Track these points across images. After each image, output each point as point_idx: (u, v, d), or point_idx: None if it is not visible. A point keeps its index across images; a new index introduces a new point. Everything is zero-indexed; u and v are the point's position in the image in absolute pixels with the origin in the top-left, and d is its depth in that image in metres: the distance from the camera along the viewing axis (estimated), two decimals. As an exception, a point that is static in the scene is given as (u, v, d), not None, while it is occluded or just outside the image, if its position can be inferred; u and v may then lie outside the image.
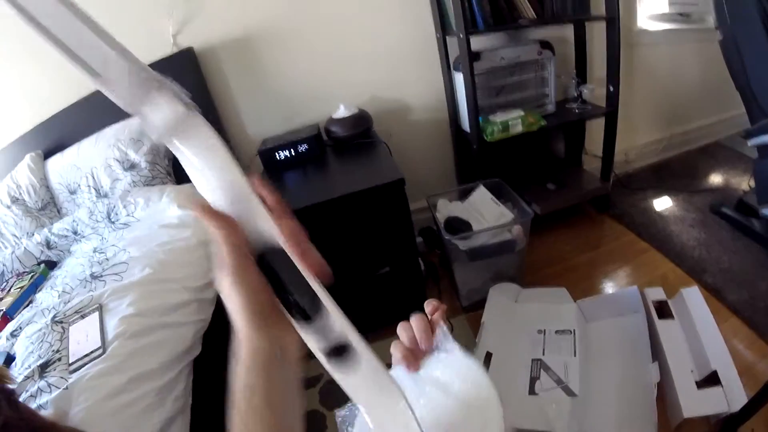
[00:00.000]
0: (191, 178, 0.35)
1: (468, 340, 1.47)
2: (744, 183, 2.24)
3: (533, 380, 1.26)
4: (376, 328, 1.57)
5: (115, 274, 1.11)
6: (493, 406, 0.41)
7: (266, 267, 0.36)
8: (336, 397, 1.31)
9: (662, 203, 2.16)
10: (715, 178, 2.34)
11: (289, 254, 0.36)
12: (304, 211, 1.24)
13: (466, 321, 1.56)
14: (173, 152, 0.34)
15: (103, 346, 0.90)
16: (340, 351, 0.37)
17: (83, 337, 0.94)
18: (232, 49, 1.59)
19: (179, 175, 1.56)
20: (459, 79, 1.63)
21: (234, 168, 0.34)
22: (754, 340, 1.38)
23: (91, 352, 0.89)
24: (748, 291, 1.56)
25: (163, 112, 0.32)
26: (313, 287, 0.36)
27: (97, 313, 0.98)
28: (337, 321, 0.36)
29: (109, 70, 0.30)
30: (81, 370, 0.85)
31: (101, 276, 1.12)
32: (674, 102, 2.49)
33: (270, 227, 0.35)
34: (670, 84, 2.43)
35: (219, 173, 0.34)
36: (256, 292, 0.35)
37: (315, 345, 0.37)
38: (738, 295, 1.55)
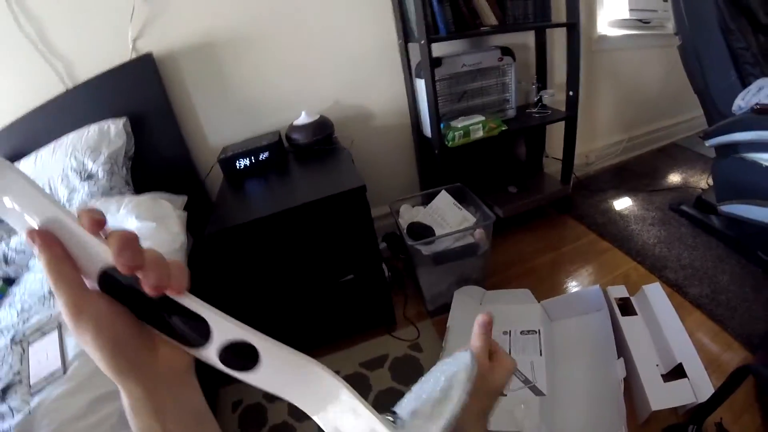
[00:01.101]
0: (16, 226, 0.31)
1: (434, 344, 1.47)
2: (702, 181, 2.31)
3: (501, 381, 1.27)
4: (342, 336, 1.57)
5: None
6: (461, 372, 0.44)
7: (114, 292, 0.32)
8: (257, 421, 1.29)
9: (623, 203, 2.21)
10: (674, 178, 2.42)
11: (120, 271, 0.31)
12: (266, 221, 1.22)
13: (432, 325, 1.55)
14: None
15: (64, 366, 0.87)
16: (233, 353, 0.33)
17: (43, 357, 0.91)
18: (193, 55, 1.56)
19: (138, 185, 1.52)
20: (420, 85, 1.64)
21: (48, 203, 0.30)
22: (717, 332, 1.42)
23: (52, 373, 0.86)
24: (709, 285, 1.61)
25: None
26: (180, 299, 0.33)
27: (56, 332, 0.95)
28: (219, 323, 0.33)
29: None
30: (43, 392, 0.82)
31: None
32: (634, 105, 2.57)
33: (99, 247, 0.30)
34: (630, 88, 2.50)
35: (38, 209, 0.30)
36: (107, 323, 0.30)
37: (206, 357, 0.33)
38: (699, 289, 1.60)
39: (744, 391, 1.11)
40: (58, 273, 0.29)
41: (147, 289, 0.30)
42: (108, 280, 0.31)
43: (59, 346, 0.92)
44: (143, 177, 1.54)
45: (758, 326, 1.40)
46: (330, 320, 1.52)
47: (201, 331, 0.33)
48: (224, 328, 0.33)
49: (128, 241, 0.29)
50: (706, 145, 1.75)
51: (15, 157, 1.56)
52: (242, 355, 0.33)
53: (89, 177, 1.44)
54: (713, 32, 1.58)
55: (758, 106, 1.48)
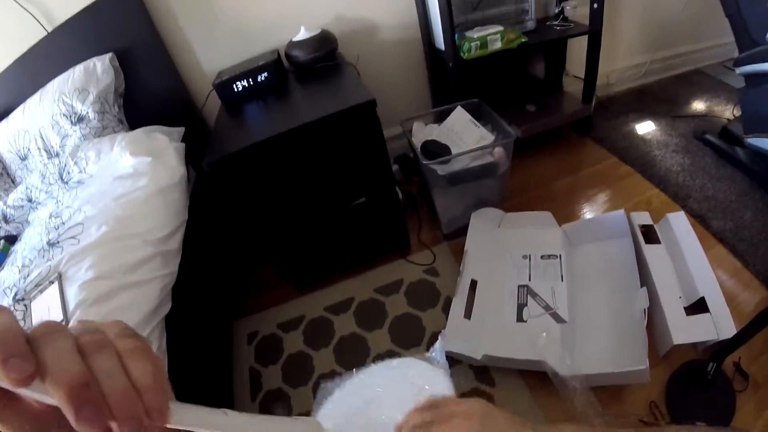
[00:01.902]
0: None
1: (450, 268, 1.42)
2: (727, 111, 2.19)
3: (521, 307, 1.23)
4: (355, 262, 1.52)
5: (71, 237, 1.01)
6: None
7: None
8: (301, 374, 1.26)
9: (645, 127, 2.10)
10: (698, 105, 2.29)
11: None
12: (268, 144, 1.13)
13: (449, 249, 1.50)
14: None
15: (66, 317, 0.83)
16: None
17: (45, 311, 0.88)
18: None
19: (133, 123, 1.43)
20: (432, -8, 1.48)
21: None
22: (738, 270, 1.37)
23: None
24: (732, 219, 1.55)
25: None
26: None
27: (56, 284, 0.91)
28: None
29: None
30: None
31: (58, 242, 1.03)
32: (658, 26, 2.39)
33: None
34: (655, 6, 2.32)
35: None
36: None
37: None
38: (723, 223, 1.53)
39: (763, 332, 1.08)
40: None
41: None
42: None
43: (60, 298, 0.88)
44: (138, 114, 1.45)
45: None
46: (343, 246, 1.46)
47: None
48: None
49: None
50: (737, 72, 1.62)
51: (2, 113, 1.48)
52: None
53: (80, 120, 1.37)
54: None
55: None
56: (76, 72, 1.38)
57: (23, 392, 0.20)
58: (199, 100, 1.59)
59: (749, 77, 1.61)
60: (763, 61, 1.49)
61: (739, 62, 1.60)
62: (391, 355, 1.25)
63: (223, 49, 1.56)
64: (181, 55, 1.54)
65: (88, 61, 1.38)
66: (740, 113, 1.75)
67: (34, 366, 0.19)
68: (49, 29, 1.39)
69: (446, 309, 1.28)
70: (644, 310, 1.09)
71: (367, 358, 1.26)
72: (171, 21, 1.47)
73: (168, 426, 0.23)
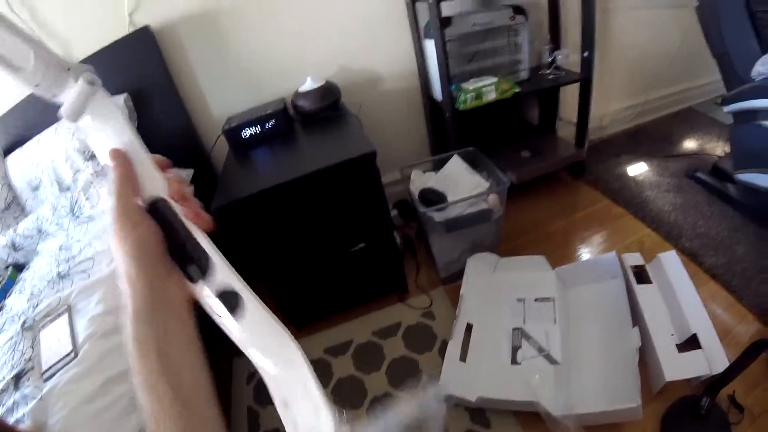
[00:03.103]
0: (95, 146, 0.39)
1: (447, 312, 1.46)
2: (718, 148, 2.24)
3: (515, 349, 1.26)
4: (354, 304, 1.56)
5: (82, 271, 1.06)
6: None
7: (157, 217, 0.38)
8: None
9: (637, 168, 2.16)
10: (690, 144, 2.35)
11: (174, 206, 0.39)
12: (273, 191, 1.19)
13: (445, 293, 1.53)
14: (83, 130, 0.38)
15: (75, 349, 0.86)
16: (226, 298, 0.38)
17: (54, 341, 0.91)
18: (192, 25, 1.50)
19: None
20: (430, 46, 1.57)
21: (128, 129, 0.39)
22: (732, 303, 1.39)
23: (64, 357, 0.86)
24: (725, 255, 1.57)
25: (73, 94, 0.36)
26: (199, 239, 0.39)
27: (66, 315, 0.94)
28: (223, 270, 0.39)
29: (29, 64, 0.35)
30: (55, 377, 0.81)
31: (68, 275, 1.07)
32: (649, 67, 2.47)
33: (159, 181, 0.39)
34: (645, 49, 2.41)
35: (119, 133, 0.38)
36: (147, 237, 0.36)
37: (204, 296, 0.38)
38: (715, 259, 1.56)
39: (757, 364, 1.09)
40: (124, 187, 0.37)
41: (188, 215, 0.39)
42: (155, 208, 0.38)
43: (69, 329, 0.91)
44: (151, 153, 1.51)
45: None
46: (342, 289, 1.50)
47: (206, 271, 0.38)
48: (224, 272, 0.39)
49: (184, 180, 0.40)
50: (725, 111, 1.68)
51: (16, 143, 1.54)
52: (227, 302, 0.38)
53: (92, 156, 1.42)
54: None
55: None
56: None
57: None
58: (207, 143, 1.65)
59: (737, 114, 1.66)
60: (750, 99, 1.53)
61: (726, 100, 1.65)
62: (388, 397, 1.28)
63: (232, 96, 1.64)
64: (192, 98, 1.61)
65: (103, 100, 1.45)
66: (729, 150, 1.79)
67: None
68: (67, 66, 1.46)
69: (442, 352, 1.31)
70: (636, 349, 1.12)
71: (365, 399, 1.28)
72: (184, 65, 1.55)
73: (199, 239, 0.39)
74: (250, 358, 0.38)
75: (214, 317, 0.38)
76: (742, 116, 1.63)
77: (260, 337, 0.39)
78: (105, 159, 0.38)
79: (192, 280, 0.38)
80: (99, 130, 0.38)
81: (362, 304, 1.52)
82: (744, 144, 1.66)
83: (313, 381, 0.38)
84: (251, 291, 0.39)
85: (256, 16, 1.54)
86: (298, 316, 1.52)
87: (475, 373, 1.21)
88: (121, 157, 0.37)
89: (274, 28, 1.58)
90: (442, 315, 1.46)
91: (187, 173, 1.48)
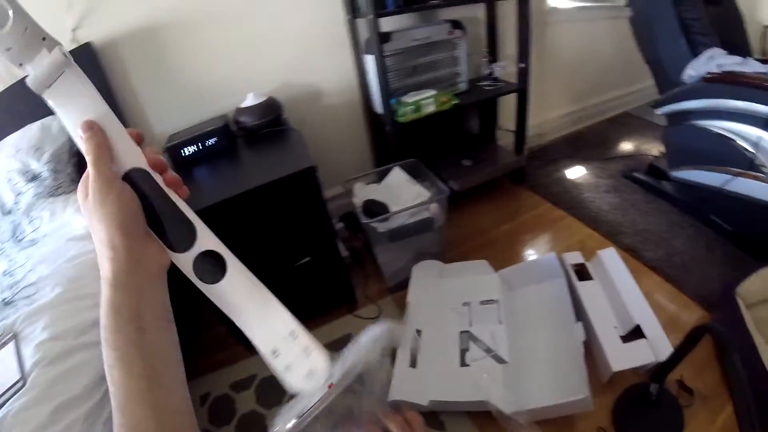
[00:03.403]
0: (64, 118, 0.38)
1: (396, 321, 1.47)
2: (654, 149, 2.38)
3: (463, 352, 1.28)
4: (303, 320, 1.54)
5: (26, 297, 1.02)
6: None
7: (134, 186, 0.38)
8: (275, 394, 1.26)
9: (576, 172, 2.26)
10: (626, 146, 2.48)
11: (151, 173, 0.39)
12: (214, 209, 1.17)
13: (393, 301, 1.55)
14: (50, 102, 0.38)
15: (23, 377, 0.83)
16: (211, 259, 0.40)
17: (2, 370, 0.86)
18: (134, 43, 1.47)
19: None
20: (370, 61, 1.60)
21: (102, 102, 0.39)
22: (674, 293, 1.48)
23: (12, 385, 0.82)
24: (664, 248, 1.67)
25: (46, 63, 0.36)
26: (181, 207, 0.40)
27: (12, 343, 0.90)
28: (205, 235, 0.40)
29: (6, 24, 0.34)
30: (4, 407, 0.78)
31: (12, 301, 1.03)
32: (586, 76, 2.61)
33: (135, 151, 0.39)
34: (582, 59, 2.54)
35: (91, 106, 0.38)
36: (125, 202, 0.37)
37: (187, 263, 0.40)
38: (655, 252, 1.65)
39: (704, 348, 1.16)
40: (100, 155, 0.37)
41: (167, 182, 0.39)
42: (132, 177, 0.38)
43: (16, 357, 0.87)
44: None
45: (713, 286, 1.47)
46: (291, 304, 1.47)
47: (188, 237, 0.39)
48: (206, 237, 0.40)
49: (158, 150, 0.41)
50: (658, 113, 1.80)
51: None
52: (212, 266, 0.40)
53: (34, 178, 1.36)
54: (664, 3, 1.61)
55: (709, 75, 1.53)
56: (33, 129, 1.38)
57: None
58: None
59: (670, 116, 1.77)
60: (680, 101, 1.65)
61: (659, 103, 1.77)
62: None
63: (174, 114, 1.61)
64: (134, 116, 1.57)
65: (46, 119, 1.40)
66: (664, 150, 1.90)
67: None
68: (9, 82, 1.40)
69: (394, 361, 1.31)
70: (581, 343, 1.17)
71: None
72: (125, 83, 1.52)
73: (179, 204, 0.40)
74: (232, 317, 0.40)
75: (196, 282, 0.40)
76: (675, 117, 1.75)
77: (244, 293, 0.41)
78: (77, 132, 0.38)
79: (174, 248, 0.39)
80: (70, 104, 0.38)
81: (311, 319, 1.51)
82: (678, 143, 1.77)
83: (299, 326, 0.42)
84: (232, 253, 0.41)
85: (197, 33, 1.53)
86: (245, 338, 1.49)
87: (426, 377, 1.22)
88: (94, 127, 0.38)
89: (216, 45, 1.57)
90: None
91: None
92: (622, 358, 1.16)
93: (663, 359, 1.12)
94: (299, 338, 0.42)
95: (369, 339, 0.50)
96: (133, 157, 0.39)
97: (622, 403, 1.15)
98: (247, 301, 0.41)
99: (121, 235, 0.36)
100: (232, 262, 0.41)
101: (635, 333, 1.23)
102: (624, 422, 1.11)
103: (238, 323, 0.41)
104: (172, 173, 0.41)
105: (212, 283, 0.40)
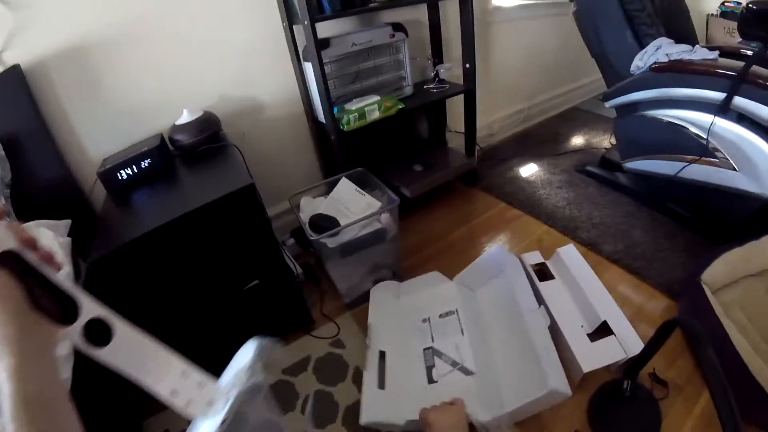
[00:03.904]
0: None
1: (356, 338, 1.42)
2: (605, 141, 2.43)
3: (429, 369, 1.25)
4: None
5: None
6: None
7: (10, 270, 0.38)
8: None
9: (529, 170, 2.27)
10: (577, 140, 2.52)
11: (23, 253, 0.39)
12: (152, 235, 1.09)
13: (353, 318, 1.49)
14: None
15: None
16: (98, 327, 0.41)
17: None
18: (64, 63, 1.36)
19: (20, 214, 1.32)
20: (309, 69, 1.54)
21: None
22: (638, 284, 1.49)
23: None
24: (623, 240, 1.68)
25: None
26: (58, 281, 0.40)
27: None
28: (89, 304, 0.42)
29: None
30: None
31: None
32: (533, 73, 2.64)
33: (2, 233, 0.39)
34: (528, 57, 2.57)
35: None
36: (8, 295, 0.36)
37: (77, 334, 0.41)
38: (614, 245, 1.66)
39: (674, 338, 1.15)
40: None
41: (41, 259, 0.39)
42: (5, 261, 0.37)
43: None
44: (26, 205, 1.33)
45: (676, 273, 1.49)
46: (243, 330, 1.40)
47: (72, 310, 0.40)
48: (89, 306, 0.41)
49: (23, 227, 0.40)
50: (607, 106, 1.82)
51: None
52: (99, 332, 0.41)
53: None
54: None
55: (656, 65, 1.54)
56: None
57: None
58: (86, 188, 1.51)
59: (619, 108, 1.79)
60: (629, 92, 1.66)
61: (607, 96, 1.78)
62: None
63: (109, 135, 1.50)
64: (67, 141, 1.46)
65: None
66: (615, 142, 1.93)
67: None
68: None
69: (356, 380, 1.28)
70: (546, 327, 1.15)
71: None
72: (56, 106, 1.40)
73: (56, 279, 0.40)
74: (127, 374, 0.42)
75: (87, 351, 0.41)
76: (623, 109, 1.77)
77: (133, 349, 0.44)
78: None
79: (61, 323, 0.40)
80: None
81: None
82: (629, 135, 1.79)
83: (189, 365, 0.47)
84: (114, 315, 0.43)
85: (130, 51, 1.44)
86: (202, 368, 1.40)
87: (397, 398, 1.17)
88: None
89: (149, 62, 1.48)
90: (351, 341, 1.41)
91: (65, 225, 1.33)
92: (592, 357, 1.14)
93: (633, 354, 1.13)
94: (191, 376, 0.47)
95: (243, 363, 0.56)
96: (1, 240, 0.38)
97: (596, 402, 1.14)
98: (138, 356, 0.44)
99: (14, 328, 0.36)
100: (117, 324, 0.43)
101: (602, 329, 1.22)
102: (600, 422, 1.09)
103: (133, 378, 0.43)
104: (44, 248, 0.41)
105: (102, 347, 0.41)
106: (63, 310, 0.40)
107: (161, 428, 1.30)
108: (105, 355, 0.41)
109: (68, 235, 1.29)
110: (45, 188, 1.42)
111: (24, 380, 0.35)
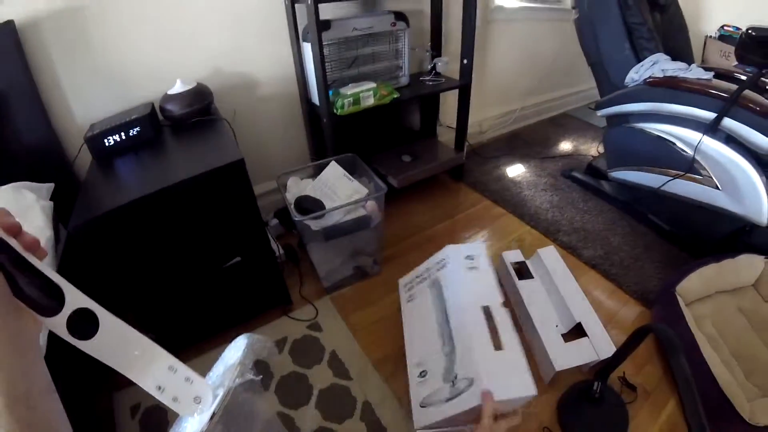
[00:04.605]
0: None
1: (334, 322, 1.43)
2: (593, 149, 2.47)
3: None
4: (236, 323, 1.47)
5: None
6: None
7: None
8: (158, 425, 1.20)
9: (516, 170, 2.30)
10: (565, 146, 2.55)
11: (6, 239, 0.37)
12: (135, 205, 1.08)
13: (331, 302, 1.50)
14: None
15: None
16: (83, 318, 0.41)
17: None
18: (58, 22, 1.31)
19: (3, 177, 1.29)
20: (308, 49, 1.53)
21: None
22: (613, 290, 1.53)
23: None
24: (603, 246, 1.72)
25: None
26: (42, 270, 0.39)
27: None
28: (73, 294, 0.40)
29: None
30: None
31: None
32: (528, 76, 2.66)
33: None
34: (525, 59, 2.59)
35: None
36: None
37: (60, 325, 0.39)
38: (593, 251, 1.70)
39: (646, 344, 1.19)
40: None
41: (25, 246, 0.38)
42: None
43: None
44: (7, 167, 1.30)
45: (651, 283, 1.54)
46: (222, 306, 1.40)
47: (57, 300, 0.39)
48: (74, 296, 0.40)
49: (7, 212, 0.38)
50: (598, 115, 1.85)
51: None
52: (84, 323, 0.40)
53: None
54: (611, 7, 1.65)
55: (651, 79, 1.57)
56: None
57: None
58: (72, 153, 1.48)
59: (610, 118, 1.82)
60: (622, 103, 1.69)
61: (600, 105, 1.81)
62: (282, 418, 1.21)
63: (99, 100, 1.47)
64: (56, 104, 1.42)
65: None
66: (603, 150, 1.96)
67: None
68: None
69: (332, 364, 1.29)
70: (501, 305, 1.09)
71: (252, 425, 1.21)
72: (47, 66, 1.36)
73: (40, 268, 0.38)
74: (113, 365, 0.43)
75: (73, 342, 0.40)
76: (614, 119, 1.80)
77: (120, 341, 0.43)
78: None
79: (45, 313, 0.39)
80: None
81: (244, 323, 1.44)
82: (617, 145, 1.83)
83: (176, 360, 0.46)
84: (100, 306, 0.42)
85: (126, 13, 1.40)
86: (177, 342, 1.39)
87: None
88: None
89: (145, 26, 1.44)
90: (328, 325, 1.42)
91: (48, 188, 1.31)
92: (565, 357, 1.17)
93: (605, 356, 1.16)
94: (179, 371, 0.47)
95: (233, 360, 0.57)
96: None
97: (566, 401, 1.17)
98: (124, 347, 0.44)
99: (4, 323, 0.35)
100: (103, 314, 0.42)
101: (577, 330, 1.25)
102: (569, 420, 1.12)
103: (119, 370, 0.43)
104: (29, 235, 0.39)
105: (87, 339, 0.41)
106: (47, 300, 0.39)
107: (132, 402, 1.29)
108: (90, 346, 0.41)
109: (51, 199, 1.27)
110: (29, 150, 1.39)
111: (5, 373, 0.34)
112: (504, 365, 0.98)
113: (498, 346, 1.03)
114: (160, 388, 0.45)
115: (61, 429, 0.39)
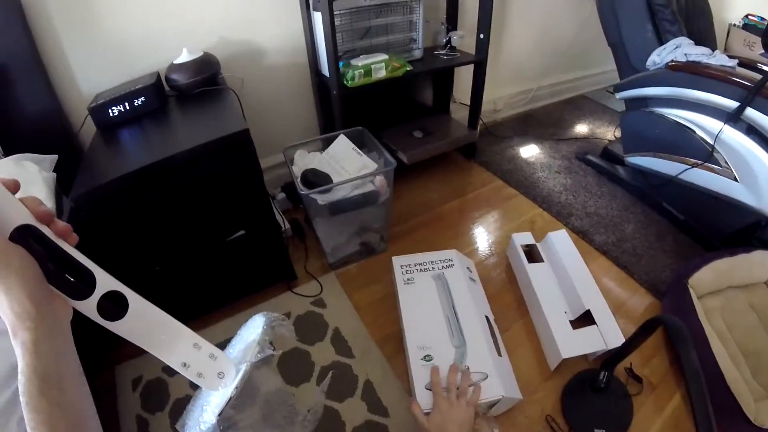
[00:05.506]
0: None
1: (338, 299, 1.41)
2: (609, 133, 2.40)
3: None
4: (239, 297, 1.45)
5: None
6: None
7: (25, 245, 0.37)
8: (159, 398, 1.19)
9: (529, 151, 2.24)
10: (581, 129, 2.48)
11: (39, 227, 0.38)
12: (138, 174, 1.05)
13: (336, 278, 1.48)
14: None
15: None
16: (113, 299, 0.42)
17: None
18: None
19: (7, 149, 1.28)
20: (318, 18, 1.47)
21: None
22: (623, 278, 1.49)
23: None
24: (615, 233, 1.68)
25: None
26: (76, 256, 0.40)
27: None
28: (104, 278, 0.42)
29: None
30: None
31: None
32: (545, 54, 2.57)
33: (17, 206, 0.37)
34: (543, 36, 2.50)
35: None
36: (24, 267, 0.36)
37: (89, 309, 0.41)
38: (605, 237, 1.66)
39: (653, 337, 1.15)
40: None
41: (58, 233, 0.39)
42: (20, 236, 0.37)
43: None
44: (12, 137, 1.30)
45: (663, 273, 1.50)
46: (226, 280, 1.39)
47: (88, 284, 0.41)
48: (105, 280, 0.42)
49: (41, 200, 0.39)
50: (617, 97, 1.80)
51: None
52: (114, 305, 0.42)
53: None
54: None
55: (673, 63, 1.51)
56: None
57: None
58: (76, 124, 1.46)
59: (629, 101, 1.77)
60: (642, 87, 1.64)
61: (619, 88, 1.76)
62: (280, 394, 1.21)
63: (103, 70, 1.44)
64: (59, 73, 1.39)
65: None
66: (620, 135, 1.91)
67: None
68: None
69: (335, 341, 1.28)
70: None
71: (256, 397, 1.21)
72: (51, 36, 1.33)
73: (73, 253, 0.40)
74: (140, 344, 0.44)
75: (103, 323, 0.42)
76: (633, 103, 1.75)
77: (147, 321, 0.45)
78: None
79: (77, 298, 0.40)
80: None
81: (248, 296, 1.42)
82: (635, 129, 1.77)
83: (200, 338, 0.49)
84: (128, 288, 0.44)
85: None
86: (180, 316, 1.38)
87: None
88: None
89: None
90: (332, 302, 1.40)
91: (51, 160, 1.29)
92: (572, 345, 1.15)
93: (613, 346, 1.13)
94: (203, 348, 0.49)
95: (252, 338, 0.60)
96: (16, 214, 0.37)
97: (570, 389, 1.15)
98: (151, 328, 0.46)
99: (31, 303, 0.35)
100: (132, 297, 0.44)
101: (585, 318, 1.22)
102: (572, 409, 1.10)
103: (147, 349, 0.45)
104: (60, 223, 0.40)
105: (117, 320, 0.42)
106: (79, 285, 0.40)
107: (134, 374, 1.29)
108: (119, 327, 0.42)
109: (54, 171, 1.26)
110: (33, 121, 1.37)
111: (40, 356, 0.36)
112: (504, 370, 1.10)
113: (498, 353, 1.14)
114: (185, 364, 0.47)
115: (88, 411, 0.41)
